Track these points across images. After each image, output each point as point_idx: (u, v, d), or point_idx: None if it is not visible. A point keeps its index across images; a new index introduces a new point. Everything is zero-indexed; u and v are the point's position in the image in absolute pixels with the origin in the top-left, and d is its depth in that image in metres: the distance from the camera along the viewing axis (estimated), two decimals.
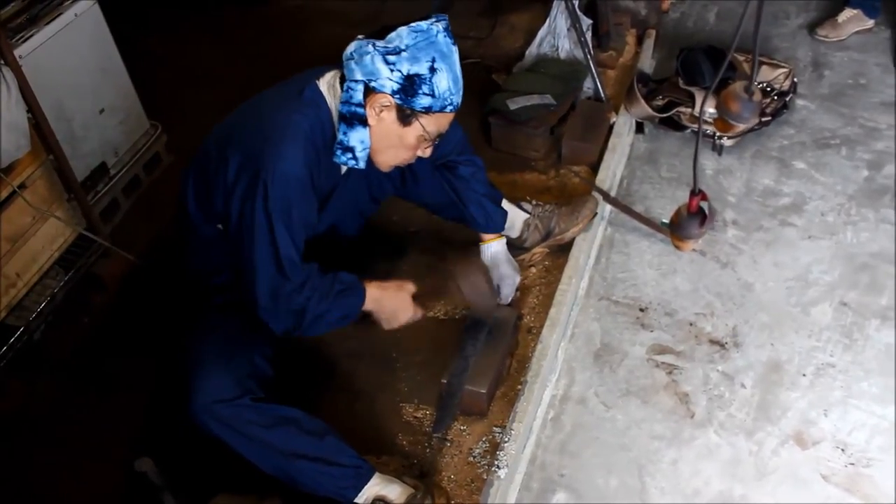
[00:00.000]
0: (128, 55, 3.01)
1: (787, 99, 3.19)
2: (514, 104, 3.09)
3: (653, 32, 3.69)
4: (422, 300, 2.18)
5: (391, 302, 2.13)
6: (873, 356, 2.36)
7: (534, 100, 3.11)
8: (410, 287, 2.16)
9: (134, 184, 3.11)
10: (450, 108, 1.95)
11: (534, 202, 2.68)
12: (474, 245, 2.53)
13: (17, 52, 2.41)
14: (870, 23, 3.64)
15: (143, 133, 3.16)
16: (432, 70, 1.87)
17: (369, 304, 2.08)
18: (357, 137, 1.94)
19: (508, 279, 2.44)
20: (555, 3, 3.38)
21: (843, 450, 2.15)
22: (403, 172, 2.38)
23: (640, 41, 3.70)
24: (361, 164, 1.99)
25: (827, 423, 2.21)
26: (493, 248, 2.49)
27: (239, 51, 3.98)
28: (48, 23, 2.59)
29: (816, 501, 2.05)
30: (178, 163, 3.23)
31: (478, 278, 2.23)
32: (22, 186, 2.45)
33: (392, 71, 1.86)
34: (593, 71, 3.23)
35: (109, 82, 2.93)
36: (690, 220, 2.22)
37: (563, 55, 3.42)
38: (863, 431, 2.19)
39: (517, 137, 3.14)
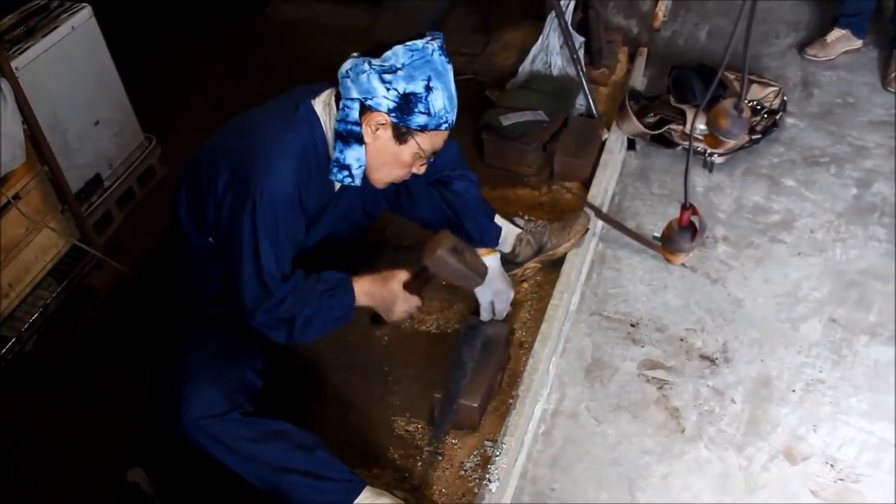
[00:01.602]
0: (123, 68, 3.02)
1: (777, 117, 3.22)
2: (507, 120, 3.11)
3: (644, 50, 3.72)
4: (413, 287, 2.12)
5: (383, 294, 2.09)
6: (862, 372, 2.38)
7: (526, 116, 3.13)
8: (401, 276, 2.11)
9: (128, 196, 3.12)
10: (445, 126, 1.96)
11: (526, 217, 2.70)
12: None
13: (13, 64, 2.42)
14: (858, 43, 3.68)
15: (138, 145, 3.17)
16: (428, 89, 1.88)
17: (362, 299, 2.07)
18: (353, 155, 1.96)
19: (502, 294, 2.44)
20: (547, 21, 3.40)
21: (832, 465, 2.16)
22: (398, 188, 2.39)
23: (631, 59, 3.73)
24: (357, 182, 2.00)
25: (816, 439, 2.22)
26: (487, 262, 2.49)
27: (232, 65, 3.99)
28: (45, 35, 2.61)
29: None
30: (171, 175, 3.23)
31: (443, 254, 2.05)
32: (16, 197, 2.46)
33: (388, 89, 1.87)
34: (585, 88, 3.25)
35: (104, 94, 2.94)
36: (682, 234, 2.24)
37: (555, 72, 3.44)
38: (852, 447, 2.20)
39: (510, 153, 3.16)
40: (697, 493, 2.13)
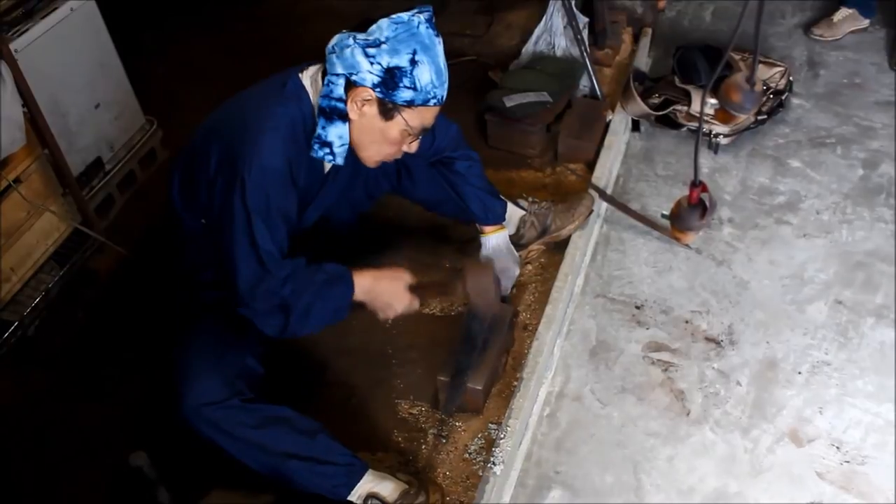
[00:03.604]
0: (124, 50, 2.99)
1: (783, 98, 3.20)
2: (511, 101, 3.08)
3: (649, 31, 3.69)
4: (419, 292, 2.11)
5: (385, 293, 2.06)
6: (868, 354, 2.37)
7: (530, 97, 3.10)
8: (407, 277, 2.09)
9: (129, 179, 3.10)
10: (433, 101, 1.90)
11: (530, 199, 2.69)
12: (472, 241, 2.53)
13: (12, 46, 2.40)
14: (865, 22, 3.65)
15: (139, 128, 3.15)
16: (413, 62, 1.83)
17: (361, 295, 2.03)
18: (335, 132, 1.91)
19: (508, 271, 2.43)
20: (551, 1, 3.37)
21: (838, 447, 2.15)
22: (399, 169, 2.37)
23: (636, 39, 3.69)
24: (339, 160, 1.95)
25: (822, 421, 2.22)
26: (494, 240, 2.48)
27: (234, 47, 3.97)
28: (44, 17, 2.58)
29: (811, 499, 2.06)
30: (173, 158, 3.22)
31: (486, 280, 2.13)
32: (17, 181, 2.45)
33: (372, 64, 1.82)
34: (589, 69, 3.23)
35: (105, 77, 2.91)
36: (691, 212, 2.22)
37: (559, 53, 3.41)
38: (858, 429, 2.19)
39: (513, 135, 3.14)
40: (703, 475, 2.12)
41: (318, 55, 2.02)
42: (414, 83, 1.84)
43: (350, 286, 2.01)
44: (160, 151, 3.25)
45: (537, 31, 3.46)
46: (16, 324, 2.49)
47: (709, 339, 2.45)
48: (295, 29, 4.05)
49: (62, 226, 2.65)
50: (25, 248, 2.53)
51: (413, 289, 2.10)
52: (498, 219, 2.47)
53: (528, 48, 3.47)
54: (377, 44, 1.82)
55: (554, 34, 3.41)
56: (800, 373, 2.34)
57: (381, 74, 1.83)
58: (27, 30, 2.52)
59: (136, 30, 3.80)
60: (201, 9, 4.24)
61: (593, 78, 3.23)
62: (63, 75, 2.70)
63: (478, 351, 2.24)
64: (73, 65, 2.75)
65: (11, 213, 2.45)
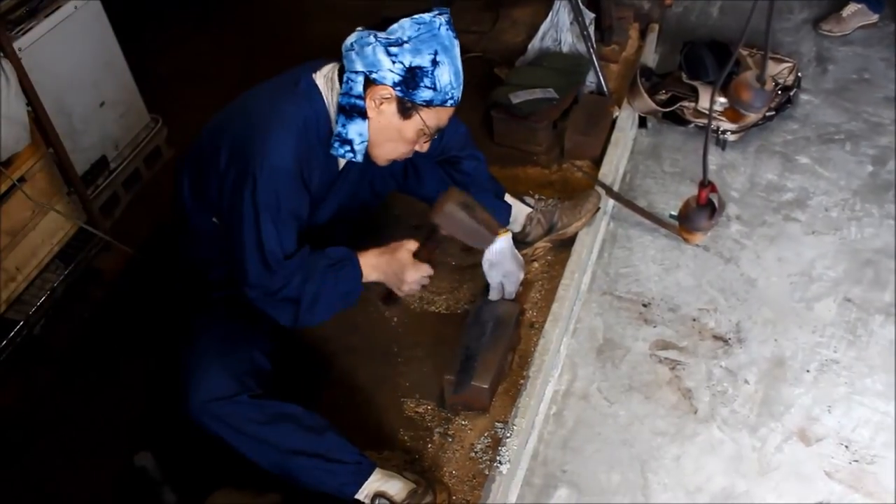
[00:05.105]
0: (128, 48, 2.99)
1: (791, 94, 3.18)
2: (517, 98, 3.07)
3: (656, 27, 3.67)
4: (423, 254, 2.10)
5: (391, 264, 2.07)
6: (877, 352, 2.35)
7: (536, 94, 3.09)
8: (410, 245, 2.09)
9: (134, 178, 3.10)
10: (450, 101, 1.93)
11: (536, 196, 2.67)
12: None
13: (16, 45, 2.40)
14: (874, 17, 3.62)
15: (144, 127, 3.15)
16: (434, 63, 1.85)
17: (370, 273, 2.06)
18: (356, 130, 1.93)
19: (512, 275, 2.42)
20: None
21: (846, 446, 2.14)
22: (406, 167, 2.37)
23: (642, 35, 3.68)
24: (359, 157, 1.97)
25: (831, 420, 2.20)
26: (498, 243, 2.46)
27: (239, 43, 3.97)
28: (48, 15, 2.58)
29: (820, 498, 2.05)
30: (178, 157, 3.21)
31: (450, 208, 2.04)
32: (22, 180, 2.44)
33: (394, 62, 1.84)
34: (596, 65, 3.21)
35: (110, 75, 2.91)
36: (699, 212, 2.20)
37: (565, 49, 3.39)
38: (867, 428, 2.18)
39: (520, 132, 3.13)
40: (710, 474, 2.11)
41: (321, 52, 2.02)
42: (434, 83, 1.87)
43: (356, 266, 2.04)
44: (165, 149, 3.25)
45: (543, 28, 3.44)
46: (21, 323, 2.49)
47: (716, 337, 2.44)
48: (301, 25, 4.05)
49: (67, 225, 2.65)
50: (30, 247, 2.53)
51: (418, 253, 2.09)
52: (502, 222, 2.45)
53: (535, 44, 3.46)
54: (399, 43, 1.84)
55: (560, 30, 3.39)
56: (808, 371, 2.32)
57: (402, 73, 1.85)
58: (31, 28, 2.52)
59: (141, 27, 3.80)
60: (206, 4, 4.24)
61: (600, 74, 3.22)
62: (67, 74, 2.70)
63: (487, 335, 2.23)
64: (78, 63, 2.75)
65: (16, 212, 2.45)
